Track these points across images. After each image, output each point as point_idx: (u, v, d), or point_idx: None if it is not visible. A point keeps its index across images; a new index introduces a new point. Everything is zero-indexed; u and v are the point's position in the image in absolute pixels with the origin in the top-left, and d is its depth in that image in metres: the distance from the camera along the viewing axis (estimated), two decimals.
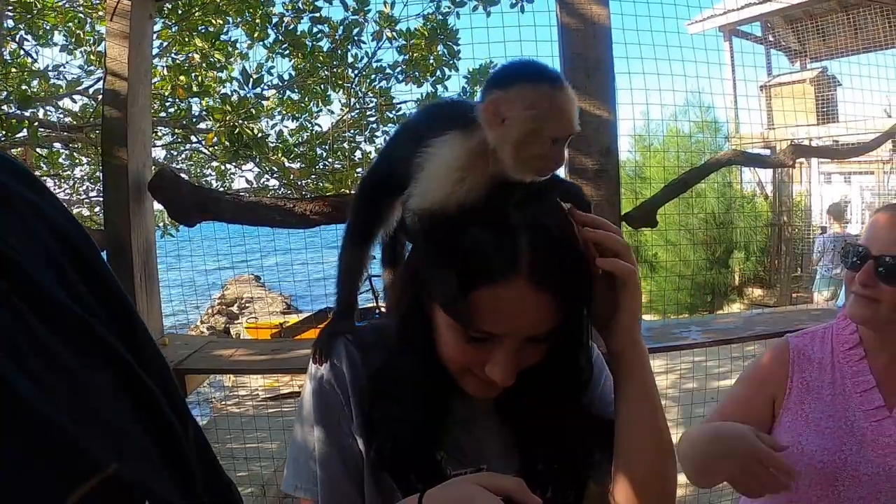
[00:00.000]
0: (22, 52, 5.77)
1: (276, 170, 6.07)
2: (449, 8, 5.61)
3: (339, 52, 5.76)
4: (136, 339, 0.62)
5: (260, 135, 5.60)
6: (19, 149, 5.28)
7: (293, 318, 11.60)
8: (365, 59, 5.99)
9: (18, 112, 5.02)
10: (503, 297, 1.00)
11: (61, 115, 6.21)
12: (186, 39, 5.49)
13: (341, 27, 5.61)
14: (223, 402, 8.06)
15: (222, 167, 6.65)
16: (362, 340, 1.23)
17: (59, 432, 0.46)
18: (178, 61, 5.76)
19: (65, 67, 5.98)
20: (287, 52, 5.74)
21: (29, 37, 5.68)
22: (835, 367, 1.71)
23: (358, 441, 1.16)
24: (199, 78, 5.62)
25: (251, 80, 5.46)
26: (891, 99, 8.52)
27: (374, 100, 6.32)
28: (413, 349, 1.13)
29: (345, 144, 6.52)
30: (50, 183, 6.96)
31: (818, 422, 1.66)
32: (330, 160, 6.40)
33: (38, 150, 5.71)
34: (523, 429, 1.20)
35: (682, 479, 1.35)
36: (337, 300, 1.33)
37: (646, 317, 12.24)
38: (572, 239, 1.07)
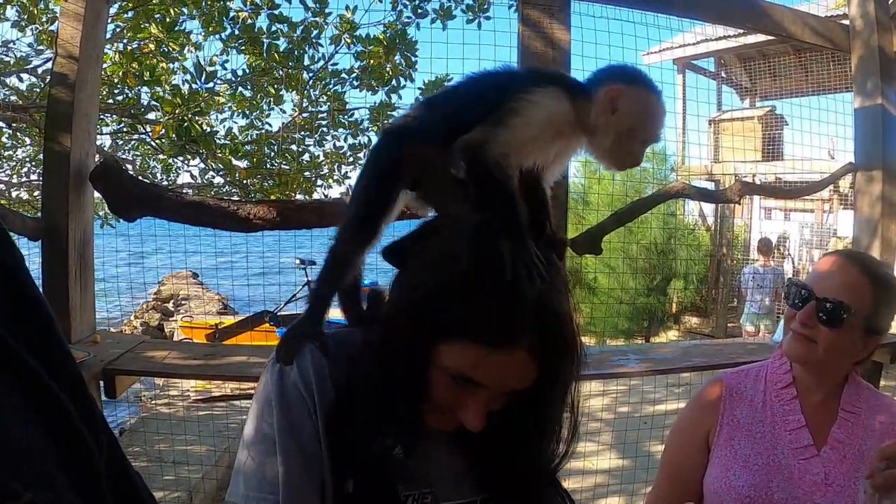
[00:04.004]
0: None
1: (222, 167, 5.94)
2: (410, 18, 5.60)
3: (296, 52, 5.68)
4: (52, 353, 0.59)
5: (209, 130, 5.48)
6: None
7: (229, 320, 11.41)
8: (321, 62, 5.93)
9: None
10: (499, 361, 1.00)
11: (7, 94, 6.01)
12: (142, 25, 5.35)
13: (300, 28, 5.55)
14: (153, 402, 7.89)
15: (169, 161, 6.49)
16: (326, 349, 1.18)
17: None
18: (130, 48, 5.61)
19: (14, 44, 5.79)
20: (243, 47, 5.64)
21: None
22: (766, 405, 1.74)
23: (322, 448, 1.12)
24: (151, 66, 5.48)
25: (204, 73, 5.35)
26: (835, 141, 8.79)
27: (327, 103, 6.26)
28: (395, 374, 1.08)
29: (294, 146, 6.43)
30: None
31: (747, 458, 1.68)
32: (277, 161, 6.31)
33: None
34: (477, 461, 1.19)
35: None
36: (313, 298, 1.28)
37: (581, 339, 12.38)
38: (569, 315, 1.08)
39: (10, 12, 5.50)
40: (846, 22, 4.08)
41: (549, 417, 1.15)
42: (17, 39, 5.77)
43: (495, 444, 1.15)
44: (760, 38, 9.70)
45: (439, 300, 1.02)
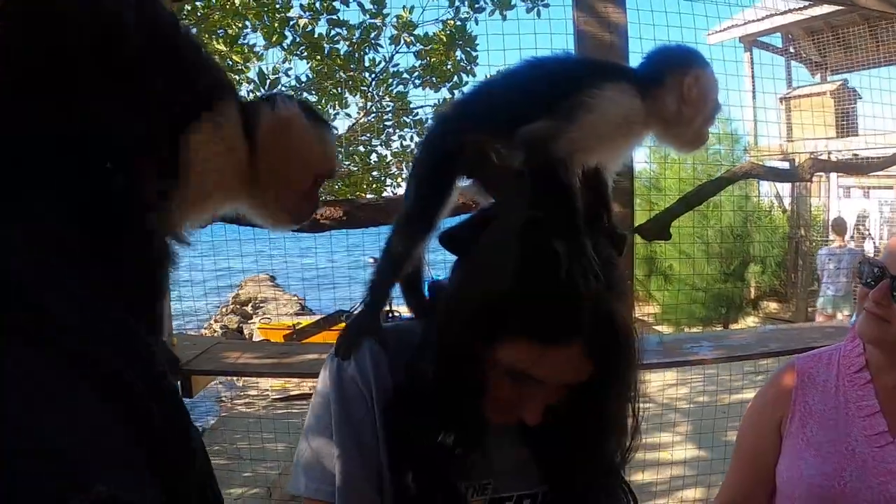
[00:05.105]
0: None
1: None
2: (468, 13, 5.59)
3: (357, 55, 5.74)
4: (143, 357, 0.61)
5: None
6: None
7: (306, 320, 11.58)
8: (382, 64, 5.97)
9: None
10: (555, 357, 1.02)
11: None
12: (205, 41, 5.48)
13: (358, 30, 5.60)
14: (233, 401, 8.09)
15: None
16: (385, 343, 1.18)
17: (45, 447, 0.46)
18: None
19: None
20: (304, 54, 5.72)
21: None
22: (839, 390, 1.68)
23: (379, 442, 1.13)
24: None
25: (268, 81, 5.46)
26: None
27: (391, 104, 6.30)
28: (452, 369, 1.08)
29: (360, 148, 6.50)
30: None
31: (819, 446, 1.62)
32: (346, 163, 6.39)
33: None
34: (537, 453, 1.20)
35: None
36: (370, 292, 1.25)
37: (658, 328, 12.14)
38: (624, 311, 1.08)
39: None
40: None
41: (607, 410, 1.14)
42: None
43: (555, 436, 1.14)
44: (827, 9, 9.32)
45: (494, 299, 1.03)
